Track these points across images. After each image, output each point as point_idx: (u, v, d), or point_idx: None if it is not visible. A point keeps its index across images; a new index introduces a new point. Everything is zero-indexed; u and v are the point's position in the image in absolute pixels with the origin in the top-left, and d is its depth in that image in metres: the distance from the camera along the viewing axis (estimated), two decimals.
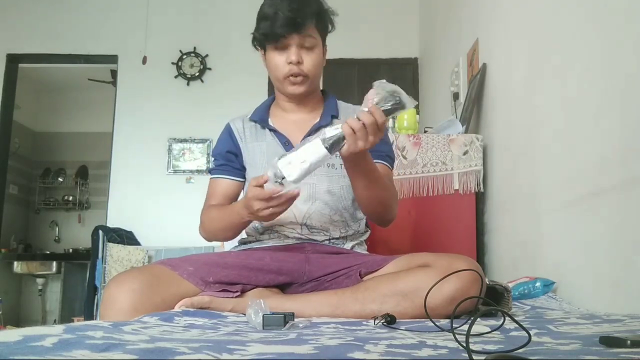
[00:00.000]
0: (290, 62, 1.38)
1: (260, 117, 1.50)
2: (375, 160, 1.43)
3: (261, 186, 1.15)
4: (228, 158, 1.50)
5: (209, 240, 1.50)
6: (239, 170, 1.50)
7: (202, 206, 1.50)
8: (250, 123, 1.52)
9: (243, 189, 1.51)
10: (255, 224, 1.47)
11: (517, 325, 0.73)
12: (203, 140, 4.45)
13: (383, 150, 1.47)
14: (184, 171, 4.44)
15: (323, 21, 1.43)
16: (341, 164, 1.44)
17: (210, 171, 1.55)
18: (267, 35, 1.38)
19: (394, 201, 1.42)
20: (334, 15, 1.46)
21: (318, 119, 1.48)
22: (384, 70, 4.49)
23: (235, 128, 1.52)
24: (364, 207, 1.41)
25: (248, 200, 1.19)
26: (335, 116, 1.49)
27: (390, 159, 1.50)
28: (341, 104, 1.55)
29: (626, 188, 1.32)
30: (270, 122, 1.49)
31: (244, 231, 1.54)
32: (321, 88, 1.57)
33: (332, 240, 1.42)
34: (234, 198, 1.50)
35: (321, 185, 1.43)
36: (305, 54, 1.39)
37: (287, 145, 1.43)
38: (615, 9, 1.41)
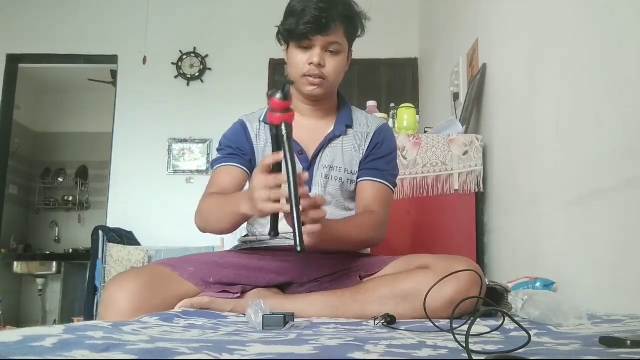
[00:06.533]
0: (311, 63, 1.33)
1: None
2: (376, 179, 1.41)
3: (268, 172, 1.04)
4: (238, 152, 1.42)
5: (203, 230, 1.37)
6: (249, 163, 1.42)
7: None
8: (264, 125, 1.43)
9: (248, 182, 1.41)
10: (257, 222, 1.46)
11: (517, 326, 0.73)
12: (203, 141, 4.44)
13: (386, 169, 1.44)
14: (184, 171, 4.44)
15: (353, 25, 1.37)
16: (338, 167, 1.42)
17: (214, 161, 1.44)
18: (292, 33, 1.33)
19: (379, 232, 1.37)
20: (366, 19, 1.40)
21: (332, 128, 1.44)
22: (384, 70, 4.49)
23: (252, 127, 1.45)
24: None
25: (253, 187, 1.07)
26: (349, 126, 1.45)
27: (392, 176, 1.45)
28: (355, 113, 1.49)
29: (626, 188, 1.32)
30: None
31: (244, 230, 1.53)
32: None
33: None
34: (240, 188, 1.39)
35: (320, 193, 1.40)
36: (328, 57, 1.35)
37: (301, 155, 1.39)
38: (616, 9, 1.40)
